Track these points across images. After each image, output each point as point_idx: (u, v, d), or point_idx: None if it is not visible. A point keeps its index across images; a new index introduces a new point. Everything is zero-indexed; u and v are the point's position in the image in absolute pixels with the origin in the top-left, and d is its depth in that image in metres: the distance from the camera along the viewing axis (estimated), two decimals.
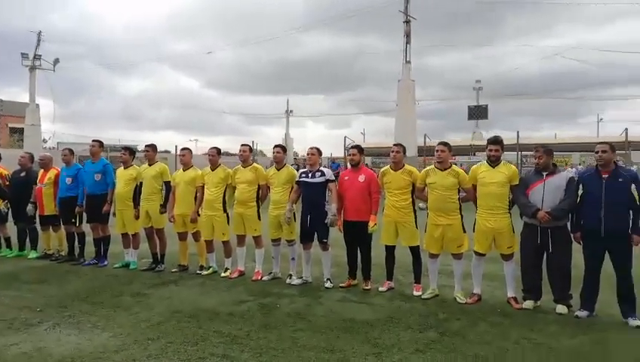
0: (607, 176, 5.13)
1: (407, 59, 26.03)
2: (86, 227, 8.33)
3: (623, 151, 22.52)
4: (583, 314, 5.28)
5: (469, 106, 61.53)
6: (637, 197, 5.06)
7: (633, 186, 5.06)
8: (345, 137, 25.75)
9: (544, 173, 5.50)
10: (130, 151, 8.02)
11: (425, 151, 24.99)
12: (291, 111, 69.22)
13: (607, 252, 5.20)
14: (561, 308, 5.41)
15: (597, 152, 5.26)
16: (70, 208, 8.21)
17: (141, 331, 4.91)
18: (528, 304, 5.59)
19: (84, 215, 8.25)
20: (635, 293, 5.15)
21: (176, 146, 28.90)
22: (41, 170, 8.79)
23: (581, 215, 5.30)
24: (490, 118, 59.22)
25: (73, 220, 8.26)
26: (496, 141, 5.76)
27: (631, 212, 5.08)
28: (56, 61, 41.74)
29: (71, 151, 8.51)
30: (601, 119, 61.98)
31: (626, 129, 23.06)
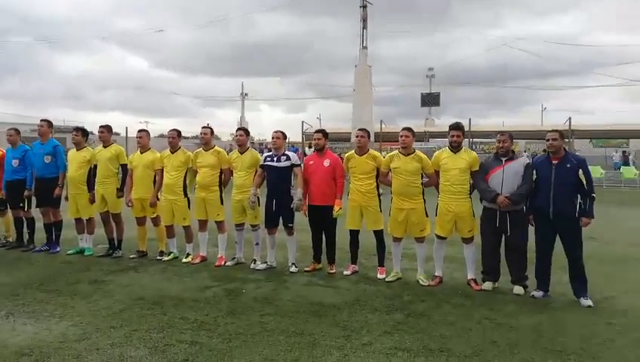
0: (556, 161, 5.37)
1: (364, 45, 26.11)
2: (35, 212, 7.93)
3: (567, 140, 23.60)
4: (539, 294, 5.54)
5: (421, 93, 62.77)
6: (584, 182, 5.32)
7: (581, 171, 5.32)
8: (302, 122, 25.63)
9: (503, 159, 5.68)
10: (83, 131, 7.65)
11: (381, 137, 25.32)
12: (246, 94, 68.21)
13: (557, 235, 5.46)
14: (518, 289, 5.65)
15: (548, 140, 5.49)
16: (18, 192, 7.77)
17: (102, 319, 4.75)
18: (487, 285, 5.80)
19: (34, 199, 7.83)
20: (586, 274, 5.44)
21: (126, 128, 27.84)
22: None
23: (533, 199, 5.53)
24: (441, 105, 60.66)
25: (21, 205, 7.83)
26: (457, 127, 5.89)
27: (579, 196, 5.34)
28: None
29: (17, 131, 8.00)
30: (545, 108, 64.89)
31: (570, 118, 24.12)
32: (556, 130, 5.47)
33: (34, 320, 4.73)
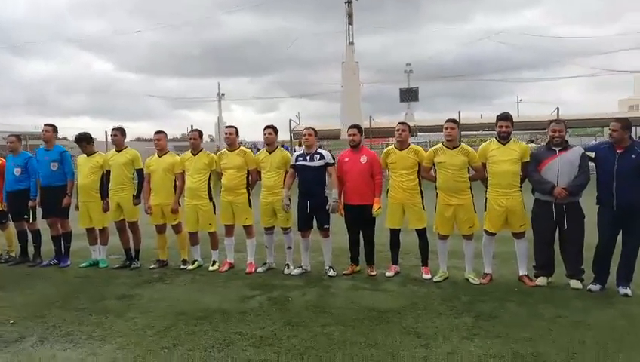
0: (620, 151, 5.15)
1: (351, 41, 25.84)
2: (41, 223, 7.36)
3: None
4: (596, 287, 5.33)
5: (400, 89, 62.74)
6: None
7: None
8: (290, 120, 25.23)
9: (557, 149, 5.44)
10: (87, 140, 7.09)
11: (371, 133, 25.08)
12: (223, 94, 67.18)
13: (620, 226, 5.25)
14: (575, 283, 5.43)
15: (610, 131, 5.27)
16: (21, 202, 7.19)
17: (150, 339, 4.31)
18: (542, 281, 5.57)
19: (39, 210, 7.26)
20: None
21: (105, 132, 26.87)
22: None
23: (597, 188, 5.31)
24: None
25: (25, 216, 7.24)
26: (506, 117, 5.62)
27: None
28: None
29: (18, 138, 7.41)
30: (521, 100, 65.77)
31: (557, 108, 24.39)
32: (617, 120, 5.23)
33: (73, 344, 4.25)
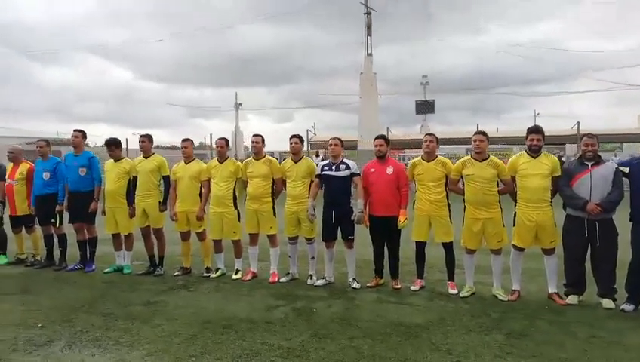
0: None
1: (369, 52, 25.87)
2: (67, 228, 7.44)
3: (575, 144, 23.51)
4: (630, 307, 5.18)
5: (416, 101, 62.61)
6: None
7: None
8: (307, 130, 25.26)
9: (589, 164, 5.33)
10: (117, 144, 7.18)
11: (342, 145, 24.89)
12: (240, 104, 67.70)
13: None
14: (608, 303, 5.28)
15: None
16: (49, 207, 7.28)
17: (177, 347, 4.30)
18: (573, 299, 5.43)
19: (66, 214, 7.34)
20: None
21: (127, 140, 27.22)
22: (10, 165, 7.77)
23: (630, 205, 5.19)
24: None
25: (52, 220, 7.33)
26: (537, 130, 5.53)
27: None
28: None
29: (47, 143, 7.53)
30: (538, 113, 64.92)
31: (578, 123, 24.08)
32: None
33: (101, 349, 4.26)
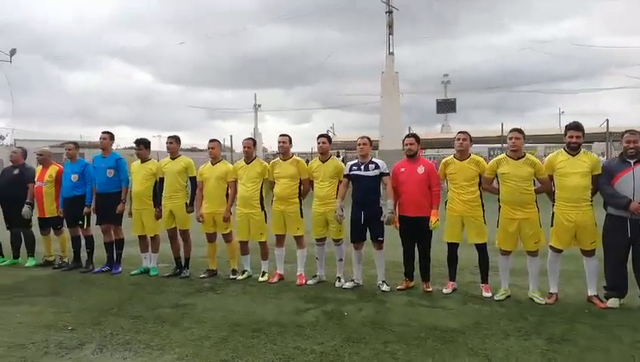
0: None
1: (391, 51, 25.63)
2: (94, 229, 7.46)
3: (604, 142, 22.89)
4: None
5: (437, 100, 62.02)
6: None
7: None
8: (327, 131, 25.14)
9: (632, 161, 5.10)
10: (146, 144, 7.18)
11: (371, 144, 24.69)
12: (259, 105, 67.96)
13: None
14: None
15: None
16: (77, 209, 7.31)
17: (208, 351, 4.22)
18: (614, 302, 5.21)
19: (93, 216, 7.37)
20: None
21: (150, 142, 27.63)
22: (39, 167, 7.84)
23: None
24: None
25: (80, 222, 7.36)
26: (577, 127, 5.31)
27: None
28: (13, 51, 38.74)
29: (76, 145, 7.58)
30: (563, 112, 63.61)
31: (607, 120, 23.43)
32: None
33: (133, 353, 4.21)
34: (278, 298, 5.79)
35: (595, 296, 5.35)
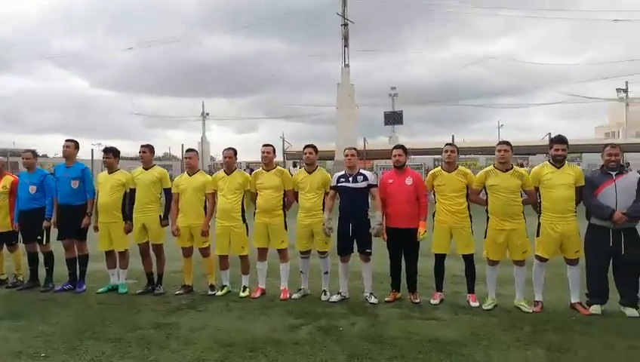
0: None
1: (346, 63, 25.94)
2: (53, 244, 6.89)
3: (544, 154, 24.13)
4: None
5: (385, 112, 63.27)
6: None
7: None
8: (283, 140, 25.00)
9: (613, 173, 5.32)
10: (115, 152, 6.74)
11: (365, 155, 25.03)
12: (207, 113, 66.73)
13: None
14: (631, 311, 5.27)
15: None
16: (34, 223, 6.72)
17: None
18: (596, 309, 5.38)
19: (54, 230, 6.80)
20: None
21: (92, 150, 26.30)
22: None
23: None
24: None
25: (39, 237, 6.77)
26: (562, 140, 5.49)
27: None
28: None
29: (34, 154, 6.99)
30: (502, 125, 66.74)
31: (549, 133, 24.64)
32: None
33: None
34: (266, 314, 5.55)
35: (578, 302, 5.51)
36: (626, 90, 53.43)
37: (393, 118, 62.63)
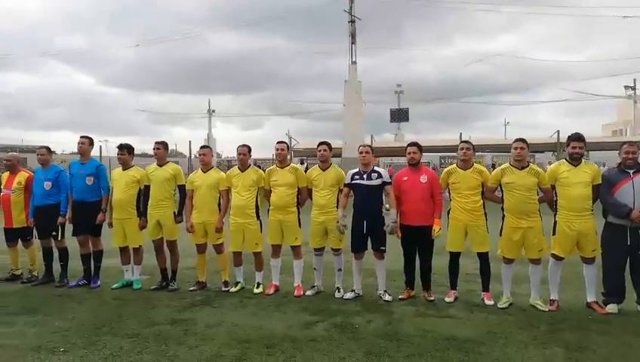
0: None
1: (353, 60, 25.90)
2: (68, 240, 6.93)
3: (556, 152, 24.03)
4: None
5: (390, 109, 63.19)
6: None
7: None
8: (290, 138, 24.99)
9: (631, 171, 5.28)
10: (129, 149, 6.77)
11: (372, 152, 24.96)
12: (213, 111, 66.87)
13: None
14: None
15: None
16: (49, 219, 6.77)
17: None
18: (613, 308, 5.35)
19: (69, 226, 6.84)
20: None
21: (100, 147, 26.45)
22: (6, 174, 7.21)
23: None
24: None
25: (54, 233, 6.81)
26: (579, 138, 5.45)
27: None
28: None
29: (49, 150, 7.03)
30: (508, 123, 66.58)
31: (558, 131, 24.63)
32: None
33: None
34: (281, 311, 5.56)
35: (594, 301, 5.48)
36: (634, 88, 53.05)
37: (399, 115, 62.55)
